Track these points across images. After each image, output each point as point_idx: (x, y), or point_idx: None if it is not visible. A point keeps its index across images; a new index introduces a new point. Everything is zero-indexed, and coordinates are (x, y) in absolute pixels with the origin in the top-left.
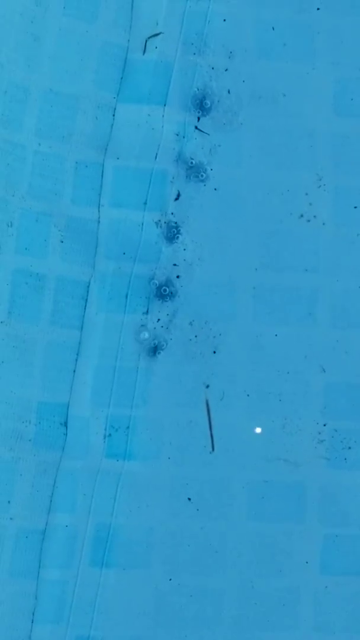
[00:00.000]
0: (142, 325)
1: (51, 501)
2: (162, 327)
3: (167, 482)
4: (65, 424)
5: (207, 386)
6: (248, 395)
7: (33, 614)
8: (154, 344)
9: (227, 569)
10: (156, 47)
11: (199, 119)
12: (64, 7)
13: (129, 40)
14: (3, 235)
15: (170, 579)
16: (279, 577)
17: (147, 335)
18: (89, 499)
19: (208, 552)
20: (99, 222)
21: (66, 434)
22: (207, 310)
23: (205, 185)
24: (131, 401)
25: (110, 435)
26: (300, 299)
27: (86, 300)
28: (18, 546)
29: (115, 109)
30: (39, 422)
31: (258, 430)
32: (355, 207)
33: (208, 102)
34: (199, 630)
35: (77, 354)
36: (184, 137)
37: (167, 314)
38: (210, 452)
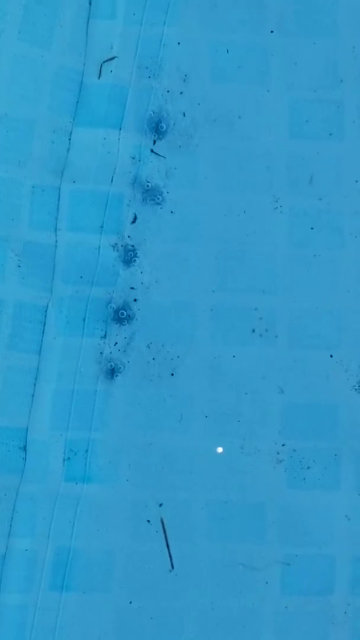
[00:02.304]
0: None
1: (10, 525)
2: (119, 350)
3: (126, 504)
4: (24, 448)
5: (161, 505)
6: (206, 416)
7: None
8: (111, 366)
9: (187, 591)
10: (111, 71)
11: (154, 142)
12: (19, 32)
13: (84, 65)
14: None
15: (130, 602)
16: (240, 598)
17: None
18: (49, 523)
19: (168, 574)
20: (56, 246)
21: (25, 458)
22: (165, 333)
23: (161, 207)
24: (90, 424)
25: (69, 458)
26: (257, 320)
27: (44, 324)
28: None
29: (71, 132)
30: None
31: (220, 450)
32: (312, 228)
33: (164, 125)
34: None
35: (36, 378)
36: (139, 160)
37: (125, 337)
38: (169, 571)
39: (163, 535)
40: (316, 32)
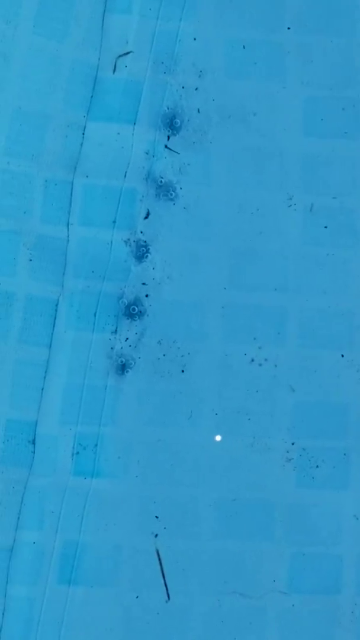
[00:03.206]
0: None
1: (19, 518)
2: (130, 345)
3: (134, 500)
4: (33, 442)
5: (156, 535)
6: (216, 414)
7: (0, 631)
8: (122, 362)
9: (194, 587)
10: (126, 66)
11: (168, 137)
12: (34, 26)
13: (99, 59)
14: None
15: (137, 597)
16: (246, 596)
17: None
18: (57, 517)
19: (175, 570)
20: (67, 240)
21: (34, 452)
22: (176, 329)
23: (174, 204)
24: (99, 419)
25: (78, 453)
26: (269, 318)
27: (55, 318)
28: None
29: (85, 127)
30: (7, 440)
31: (218, 438)
32: (326, 227)
33: (178, 121)
34: None
35: (46, 372)
36: (153, 155)
37: (136, 333)
38: (166, 602)
39: (159, 566)
40: (333, 30)
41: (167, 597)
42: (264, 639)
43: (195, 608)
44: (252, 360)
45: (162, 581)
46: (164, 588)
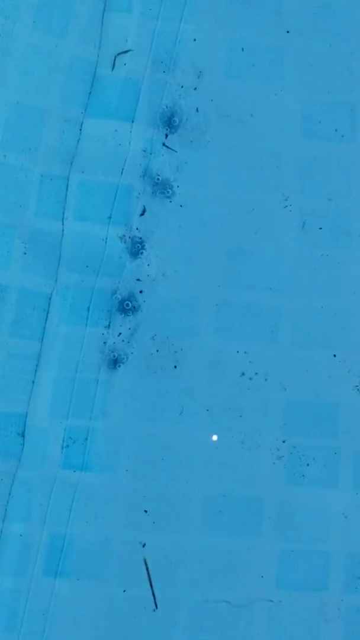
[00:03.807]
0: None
1: (6, 510)
2: (123, 340)
3: (124, 494)
4: (23, 435)
5: (144, 545)
6: (208, 410)
7: None
8: (114, 356)
9: (182, 582)
10: (125, 64)
11: (166, 135)
12: (34, 22)
13: (98, 56)
14: None
15: (124, 591)
16: (234, 591)
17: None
18: (45, 509)
19: (163, 564)
20: (62, 234)
21: (23, 444)
22: (169, 326)
23: (171, 201)
24: (90, 413)
25: (68, 446)
26: (262, 317)
27: (48, 312)
28: None
29: (82, 123)
30: None
31: (214, 437)
32: (321, 229)
33: (176, 119)
34: None
35: (37, 365)
36: (151, 153)
37: (129, 328)
38: (153, 610)
39: (147, 576)
40: (332, 34)
41: (155, 606)
42: (252, 635)
43: (182, 603)
44: (245, 358)
45: (151, 590)
46: (152, 597)
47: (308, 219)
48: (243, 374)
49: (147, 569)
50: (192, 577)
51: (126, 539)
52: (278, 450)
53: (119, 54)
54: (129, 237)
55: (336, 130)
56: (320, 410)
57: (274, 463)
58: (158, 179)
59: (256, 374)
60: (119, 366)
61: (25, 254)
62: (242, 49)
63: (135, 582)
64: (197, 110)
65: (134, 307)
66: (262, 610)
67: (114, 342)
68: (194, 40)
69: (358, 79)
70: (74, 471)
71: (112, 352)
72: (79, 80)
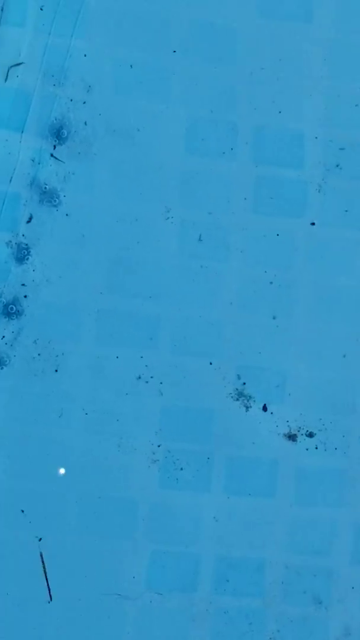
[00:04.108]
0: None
1: None
2: (6, 344)
3: (2, 494)
4: None
5: (40, 539)
6: (86, 413)
7: None
8: None
9: (56, 583)
10: (17, 76)
11: (55, 147)
12: None
13: None
14: None
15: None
16: (106, 592)
17: None
18: None
19: (39, 564)
20: None
21: None
22: (52, 330)
23: (57, 210)
24: None
25: None
26: (142, 325)
27: None
28: None
29: None
30: None
31: (62, 471)
32: (200, 240)
33: (65, 131)
34: None
35: None
36: (39, 163)
37: (13, 332)
38: (48, 602)
39: (42, 568)
40: (216, 57)
41: (50, 599)
42: (121, 634)
43: (54, 603)
44: (123, 363)
45: (46, 584)
46: (47, 590)
47: (188, 231)
48: (121, 379)
49: (42, 562)
50: (67, 579)
51: (1, 539)
52: (153, 454)
53: (11, 67)
54: (15, 243)
55: (218, 147)
56: (195, 416)
57: (149, 467)
58: (45, 188)
59: (138, 378)
60: (2, 368)
61: None
62: (131, 66)
63: (7, 582)
64: (85, 123)
65: (18, 311)
66: (133, 610)
67: None
68: (85, 55)
69: (240, 98)
70: None
71: None
72: None
